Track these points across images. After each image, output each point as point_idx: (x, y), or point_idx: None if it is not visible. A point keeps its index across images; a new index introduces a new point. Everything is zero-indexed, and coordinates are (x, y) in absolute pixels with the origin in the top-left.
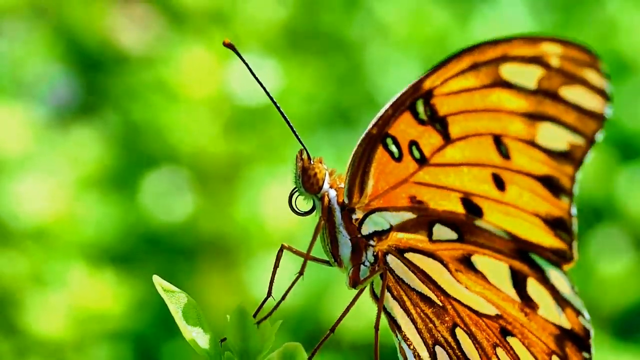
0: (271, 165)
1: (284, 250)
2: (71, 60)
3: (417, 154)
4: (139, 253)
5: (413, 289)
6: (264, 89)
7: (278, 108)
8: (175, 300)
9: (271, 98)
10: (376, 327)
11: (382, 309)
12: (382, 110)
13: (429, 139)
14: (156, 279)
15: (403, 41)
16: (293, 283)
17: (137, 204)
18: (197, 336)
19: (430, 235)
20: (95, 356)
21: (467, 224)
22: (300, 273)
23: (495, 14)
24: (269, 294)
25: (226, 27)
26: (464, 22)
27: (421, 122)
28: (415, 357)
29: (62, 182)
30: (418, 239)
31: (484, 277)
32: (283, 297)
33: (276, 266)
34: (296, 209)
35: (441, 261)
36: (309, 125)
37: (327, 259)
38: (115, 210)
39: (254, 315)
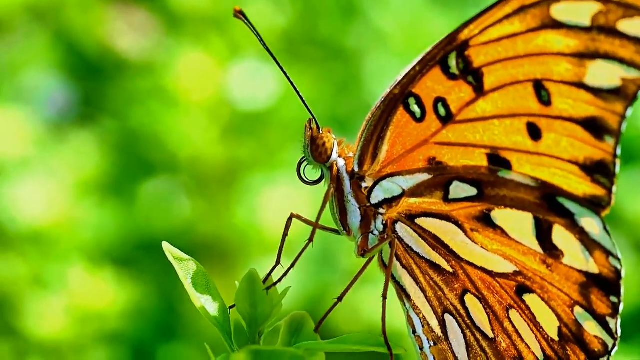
0: (269, 170)
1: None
2: (70, 66)
3: (442, 112)
4: (137, 257)
5: (422, 257)
6: (280, 67)
7: (293, 86)
8: (184, 267)
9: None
10: (384, 296)
11: (391, 278)
12: (407, 69)
13: (459, 94)
14: (166, 246)
15: (400, 49)
16: (302, 250)
17: (135, 209)
18: (207, 303)
19: (446, 195)
20: (94, 358)
21: (489, 177)
22: (310, 240)
23: None
24: (278, 262)
25: (224, 33)
26: None
27: (451, 76)
28: (423, 326)
29: (60, 187)
30: (432, 201)
31: (503, 233)
32: (292, 264)
33: (285, 234)
34: (304, 178)
35: (456, 222)
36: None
37: (336, 228)
38: (114, 215)
39: (263, 282)
